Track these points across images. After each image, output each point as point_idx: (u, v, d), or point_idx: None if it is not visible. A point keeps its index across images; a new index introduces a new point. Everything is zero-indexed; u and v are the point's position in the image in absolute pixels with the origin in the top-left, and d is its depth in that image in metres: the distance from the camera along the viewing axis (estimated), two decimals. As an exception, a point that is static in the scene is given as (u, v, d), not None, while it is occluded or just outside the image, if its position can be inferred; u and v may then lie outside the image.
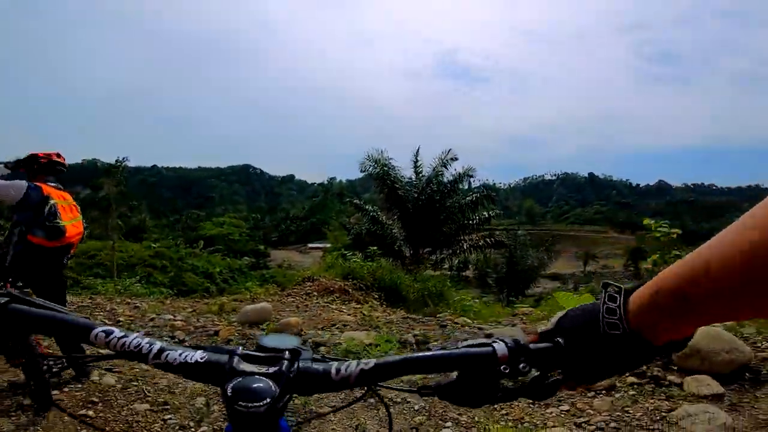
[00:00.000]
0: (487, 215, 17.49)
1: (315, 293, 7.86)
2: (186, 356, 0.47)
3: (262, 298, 7.33)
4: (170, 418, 2.71)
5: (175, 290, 14.99)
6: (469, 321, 5.55)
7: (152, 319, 5.11)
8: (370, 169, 16.76)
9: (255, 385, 0.43)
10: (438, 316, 6.07)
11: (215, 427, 2.64)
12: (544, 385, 0.49)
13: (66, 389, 2.96)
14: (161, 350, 0.47)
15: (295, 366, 0.47)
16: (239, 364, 0.46)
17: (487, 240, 18.10)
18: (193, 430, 2.64)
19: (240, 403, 0.42)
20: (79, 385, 3.04)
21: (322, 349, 3.78)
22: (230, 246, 31.27)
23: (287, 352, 0.48)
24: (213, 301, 7.12)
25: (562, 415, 2.77)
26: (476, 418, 2.76)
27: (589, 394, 2.97)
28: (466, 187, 18.83)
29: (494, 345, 0.48)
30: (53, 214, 2.80)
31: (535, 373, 0.49)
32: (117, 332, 0.48)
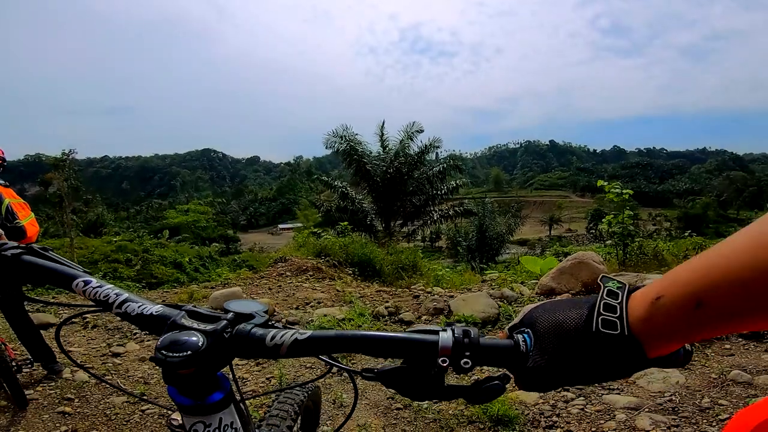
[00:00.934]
0: (455, 185, 17.72)
1: (288, 273, 7.78)
2: (143, 308, 0.49)
3: (234, 283, 7.19)
4: (147, 408, 2.67)
5: (143, 283, 14.53)
6: (441, 290, 5.66)
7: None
8: (336, 145, 16.52)
9: (183, 338, 0.44)
10: (412, 287, 6.17)
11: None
12: (484, 388, 0.44)
13: (39, 388, 2.89)
14: (125, 301, 0.50)
15: (235, 328, 0.47)
16: (181, 319, 0.47)
17: (457, 209, 18.43)
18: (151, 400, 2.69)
19: (162, 352, 0.43)
20: (53, 383, 2.97)
21: (295, 327, 3.77)
22: (198, 233, 30.38)
23: (232, 314, 0.49)
24: (182, 290, 6.92)
25: None
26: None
27: None
28: (434, 158, 18.90)
29: (441, 333, 0.45)
30: (11, 213, 2.69)
31: (481, 371, 0.46)
32: (94, 282, 0.51)
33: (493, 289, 4.94)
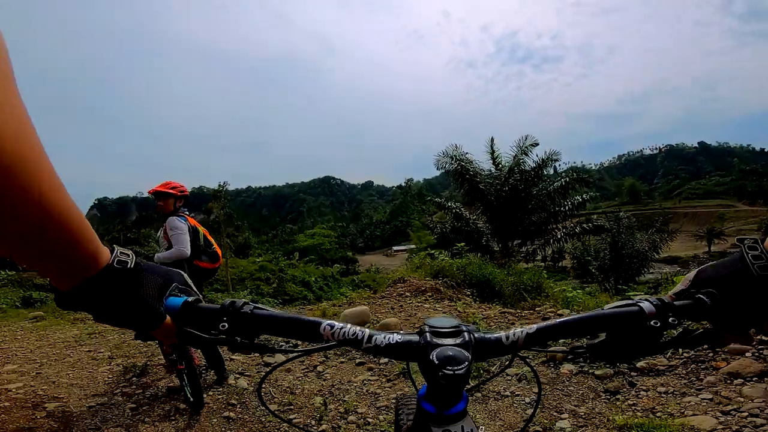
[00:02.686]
0: (580, 199, 16.16)
1: (407, 294, 7.99)
2: (389, 339, 0.54)
3: (358, 302, 7.66)
4: (294, 418, 2.93)
5: (279, 299, 16.23)
6: (573, 314, 5.18)
7: None
8: (447, 166, 16.51)
9: (451, 353, 0.49)
10: (537, 309, 5.78)
11: (333, 425, 2.82)
12: (697, 335, 0.53)
13: (210, 392, 3.32)
14: (370, 336, 0.54)
15: (473, 336, 0.53)
16: (433, 339, 0.52)
17: (584, 226, 16.72)
18: (315, 428, 2.84)
19: (447, 368, 0.48)
20: (220, 389, 3.39)
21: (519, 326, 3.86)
22: (322, 255, 33.14)
23: (463, 326, 0.54)
24: (316, 307, 7.62)
25: (704, 404, 2.47)
26: (596, 409, 2.58)
27: (735, 381, 2.60)
28: (552, 172, 17.60)
29: (640, 304, 0.53)
30: (207, 241, 3.30)
31: (684, 324, 0.53)
32: (337, 325, 0.55)
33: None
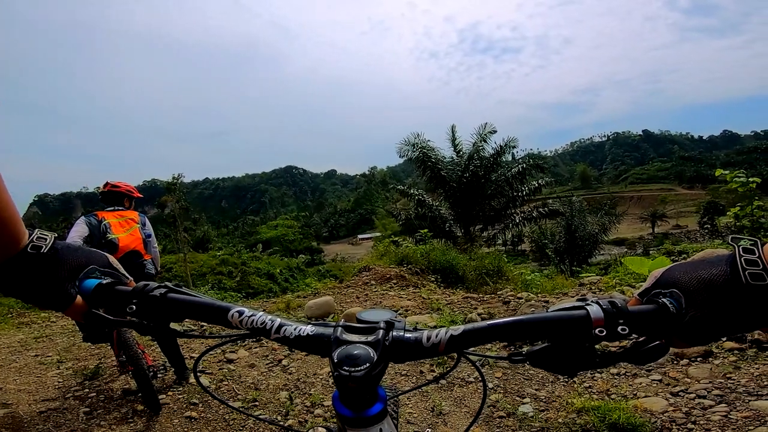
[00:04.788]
0: (537, 185, 16.78)
1: (373, 282, 8.01)
2: (299, 330, 0.51)
3: (323, 292, 7.59)
4: (260, 413, 2.87)
5: (243, 293, 15.85)
6: (532, 296, 5.40)
7: None
8: (410, 154, 16.62)
9: (356, 352, 0.46)
10: (499, 293, 5.97)
11: (300, 419, 2.77)
12: (648, 348, 0.46)
13: (170, 392, 3.20)
14: (281, 326, 0.52)
15: (390, 335, 0.49)
16: (342, 334, 0.49)
17: (541, 210, 17.40)
18: (281, 422, 2.79)
19: (344, 368, 0.45)
20: (180, 388, 3.28)
21: (443, 326, 3.86)
22: (286, 246, 32.58)
23: (382, 323, 0.50)
24: (279, 299, 7.47)
25: (654, 385, 2.63)
26: (556, 392, 2.70)
27: (682, 362, 2.79)
28: (510, 159, 18.13)
29: (588, 308, 0.47)
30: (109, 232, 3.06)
31: (635, 337, 0.46)
32: (247, 311, 0.53)
33: (594, 293, 4.58)
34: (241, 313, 0.52)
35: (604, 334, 0.45)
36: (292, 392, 3.14)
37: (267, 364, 3.81)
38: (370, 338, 0.48)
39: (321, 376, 3.40)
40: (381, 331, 0.49)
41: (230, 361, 3.93)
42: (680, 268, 0.47)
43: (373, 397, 0.48)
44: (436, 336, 0.48)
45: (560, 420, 2.35)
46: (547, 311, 0.49)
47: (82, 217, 3.12)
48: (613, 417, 2.19)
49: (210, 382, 3.43)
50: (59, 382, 3.58)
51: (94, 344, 3.56)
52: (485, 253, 11.57)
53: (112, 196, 3.31)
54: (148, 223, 3.38)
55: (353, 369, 0.45)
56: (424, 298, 5.77)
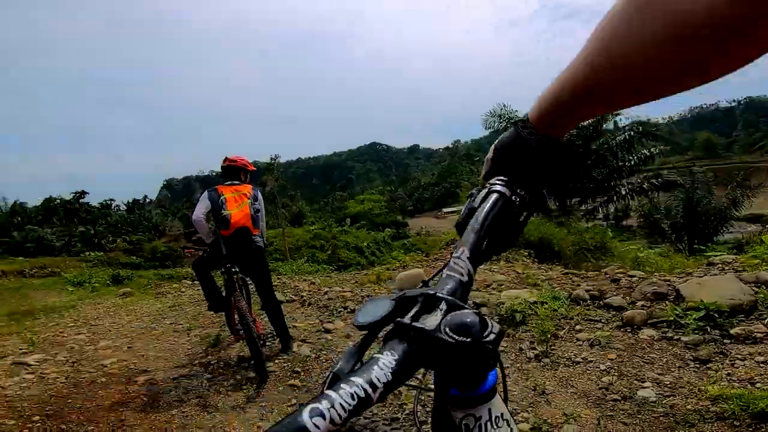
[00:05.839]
0: (648, 153, 14.78)
1: (461, 256, 7.88)
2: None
3: (411, 265, 7.66)
4: None
5: (333, 266, 16.76)
6: (642, 274, 4.81)
7: (326, 293, 5.69)
8: (496, 125, 15.76)
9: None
10: (603, 270, 5.43)
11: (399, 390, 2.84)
12: (532, 200, 0.54)
13: (276, 360, 3.42)
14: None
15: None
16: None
17: (653, 181, 15.36)
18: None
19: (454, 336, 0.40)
20: (285, 356, 3.47)
21: (483, 309, 3.72)
22: (372, 220, 33.58)
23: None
24: (370, 272, 7.72)
25: None
26: (684, 378, 2.37)
27: None
28: (612, 127, 16.22)
29: (499, 189, 0.53)
30: (224, 208, 3.27)
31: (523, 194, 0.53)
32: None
33: (724, 273, 3.92)
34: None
35: (518, 202, 0.52)
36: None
37: (362, 335, 3.95)
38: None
39: None
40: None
41: (328, 332, 4.12)
42: (496, 149, 0.58)
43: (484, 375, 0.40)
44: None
45: (689, 407, 2.06)
46: (476, 212, 0.51)
47: (206, 192, 3.39)
48: (759, 406, 1.86)
49: (310, 351, 3.60)
50: (188, 349, 3.98)
51: (215, 313, 3.94)
52: (585, 227, 10.62)
53: (230, 171, 3.54)
54: (260, 197, 3.55)
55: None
56: (518, 272, 5.49)
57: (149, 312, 6.10)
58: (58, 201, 33.23)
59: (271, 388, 2.99)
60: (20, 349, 4.30)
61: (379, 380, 0.32)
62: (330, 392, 0.31)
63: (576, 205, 15.38)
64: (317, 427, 0.28)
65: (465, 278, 0.42)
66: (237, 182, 3.52)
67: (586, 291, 3.74)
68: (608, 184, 15.09)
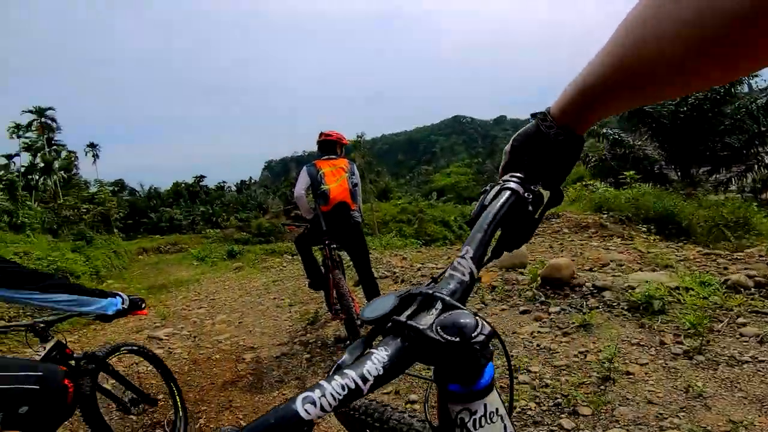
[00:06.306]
0: (802, 115, 11.85)
1: (566, 230, 7.21)
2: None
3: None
4: None
5: (421, 240, 16.73)
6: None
7: (419, 269, 5.58)
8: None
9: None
10: (747, 250, 4.48)
11: (501, 383, 2.62)
12: (549, 199, 0.56)
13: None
14: None
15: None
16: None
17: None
18: None
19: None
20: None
21: (607, 294, 3.28)
22: (459, 194, 32.78)
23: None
24: (459, 247, 7.44)
25: None
26: None
27: None
28: (746, 90, 13.48)
29: (511, 186, 0.53)
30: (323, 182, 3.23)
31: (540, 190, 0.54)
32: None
33: None
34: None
35: (531, 199, 0.52)
36: (494, 345, 3.00)
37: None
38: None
39: (522, 336, 3.07)
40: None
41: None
42: (515, 142, 0.58)
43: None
44: None
45: None
46: (486, 209, 0.51)
47: (305, 167, 3.40)
48: None
49: None
50: (289, 326, 4.10)
51: (315, 291, 3.94)
52: (720, 200, 9.01)
53: (326, 145, 3.50)
54: (356, 170, 3.49)
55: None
56: (640, 251, 4.81)
57: (257, 286, 6.57)
58: (183, 185, 38.36)
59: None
60: (154, 323, 4.82)
61: (370, 373, 0.35)
62: (323, 382, 0.34)
63: (704, 175, 13.14)
64: (308, 413, 0.32)
65: (466, 278, 0.45)
66: (333, 156, 3.47)
67: (749, 277, 3.07)
68: (747, 152, 12.58)
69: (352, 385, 0.34)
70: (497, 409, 0.42)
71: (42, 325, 1.55)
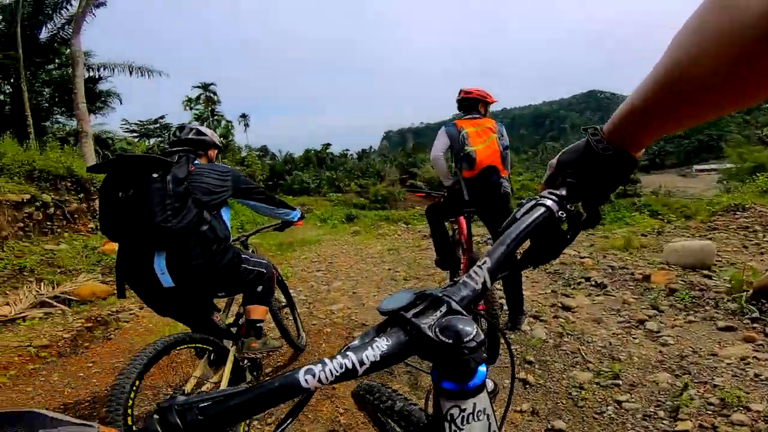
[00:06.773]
0: None
1: (757, 227, 5.45)
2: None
3: (676, 233, 5.75)
4: (625, 400, 2.02)
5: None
6: None
7: None
8: None
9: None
10: None
11: (701, 421, 1.80)
12: (585, 219, 0.54)
13: (510, 336, 2.79)
14: None
15: None
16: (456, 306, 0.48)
17: None
18: (663, 423, 1.84)
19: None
20: (512, 336, 2.79)
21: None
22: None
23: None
24: (616, 234, 6.16)
25: None
26: None
27: None
28: None
29: (546, 203, 0.52)
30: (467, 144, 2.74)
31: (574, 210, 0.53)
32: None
33: None
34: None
35: (564, 217, 0.52)
36: (677, 375, 2.17)
37: (620, 323, 2.91)
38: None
39: (725, 360, 2.23)
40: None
41: (567, 309, 3.25)
42: (562, 159, 0.57)
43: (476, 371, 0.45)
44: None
45: None
46: (518, 219, 0.52)
47: (443, 128, 2.92)
48: None
49: (546, 334, 2.82)
50: None
51: (443, 270, 3.38)
52: None
53: (467, 103, 2.96)
54: (505, 132, 2.90)
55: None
56: None
57: (371, 253, 6.45)
58: (313, 152, 41.84)
59: (494, 377, 2.29)
60: (279, 283, 4.99)
61: (368, 358, 0.39)
62: (326, 359, 0.39)
63: None
64: (306, 382, 0.37)
65: (478, 287, 0.47)
66: (477, 115, 2.90)
67: None
68: None
69: (350, 366, 0.38)
70: (485, 409, 0.43)
71: (243, 238, 2.44)
